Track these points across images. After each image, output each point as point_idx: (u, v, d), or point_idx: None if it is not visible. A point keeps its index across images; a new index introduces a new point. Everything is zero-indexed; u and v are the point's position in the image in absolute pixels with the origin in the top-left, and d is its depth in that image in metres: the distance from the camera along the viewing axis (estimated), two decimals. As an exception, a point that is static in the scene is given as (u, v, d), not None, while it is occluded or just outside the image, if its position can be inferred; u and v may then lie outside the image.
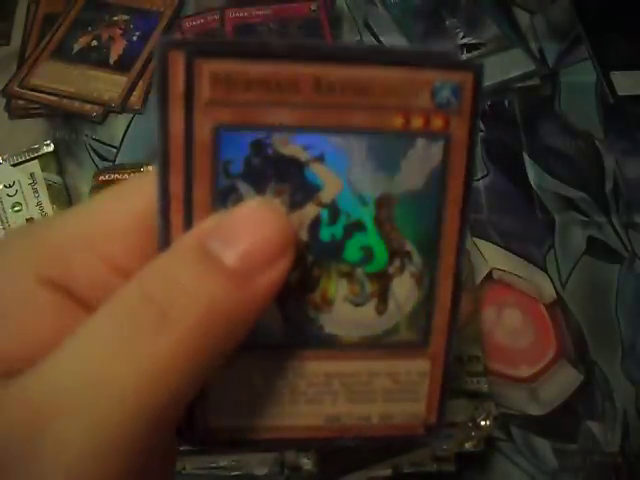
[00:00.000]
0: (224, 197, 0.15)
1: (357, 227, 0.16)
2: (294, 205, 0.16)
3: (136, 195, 0.16)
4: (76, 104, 0.49)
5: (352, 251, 0.16)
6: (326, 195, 0.16)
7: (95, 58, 0.51)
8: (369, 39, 0.51)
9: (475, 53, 0.50)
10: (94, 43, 0.52)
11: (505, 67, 0.50)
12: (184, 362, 0.13)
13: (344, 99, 0.15)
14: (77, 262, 0.15)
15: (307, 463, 0.32)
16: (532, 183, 0.45)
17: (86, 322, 0.14)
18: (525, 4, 0.53)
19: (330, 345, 0.17)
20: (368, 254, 0.16)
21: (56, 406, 0.13)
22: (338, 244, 0.16)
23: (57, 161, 0.46)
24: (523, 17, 0.53)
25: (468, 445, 0.33)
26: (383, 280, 0.16)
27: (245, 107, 0.15)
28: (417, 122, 0.15)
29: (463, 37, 0.51)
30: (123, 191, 0.17)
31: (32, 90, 0.49)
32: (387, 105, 0.15)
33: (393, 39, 0.51)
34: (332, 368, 0.17)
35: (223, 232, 0.14)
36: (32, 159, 0.45)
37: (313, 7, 0.52)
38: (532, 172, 0.45)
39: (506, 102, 0.48)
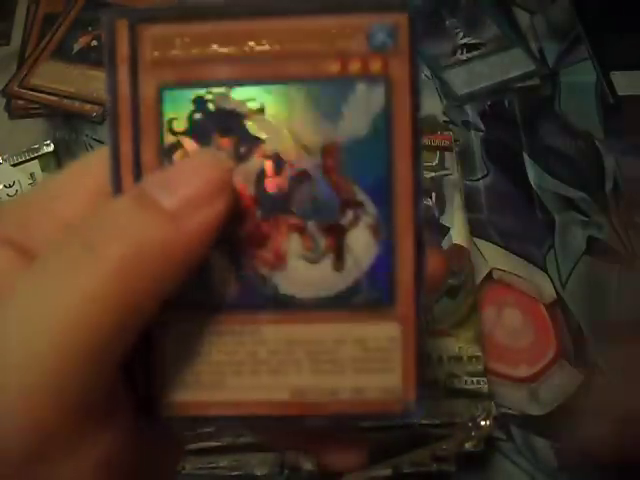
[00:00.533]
0: (170, 154, 0.16)
1: (303, 178, 0.16)
2: (239, 158, 0.16)
3: (94, 163, 0.17)
4: (76, 104, 0.49)
5: (300, 203, 0.16)
6: (269, 147, 0.16)
7: (95, 58, 0.51)
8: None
9: (475, 53, 0.50)
10: (94, 43, 0.52)
11: (505, 67, 0.50)
12: (111, 296, 0.13)
13: (279, 50, 0.16)
14: (34, 222, 0.16)
15: (307, 463, 0.32)
16: (532, 183, 0.45)
17: (29, 266, 0.14)
18: (525, 4, 0.53)
19: (288, 307, 0.16)
20: (317, 205, 0.16)
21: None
22: (285, 196, 0.16)
23: (57, 161, 0.46)
24: (523, 17, 0.53)
25: (468, 445, 0.33)
26: (337, 233, 0.16)
27: (186, 66, 0.16)
28: (354, 66, 0.16)
29: (463, 37, 0.51)
30: (83, 161, 0.17)
31: (32, 90, 0.49)
32: (323, 52, 0.16)
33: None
34: (293, 333, 0.16)
35: (163, 179, 0.15)
36: (32, 159, 0.45)
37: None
38: (532, 172, 0.45)
39: (506, 102, 0.48)
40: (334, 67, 0.16)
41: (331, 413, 0.16)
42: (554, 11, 0.53)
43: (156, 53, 0.16)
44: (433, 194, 0.39)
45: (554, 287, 0.41)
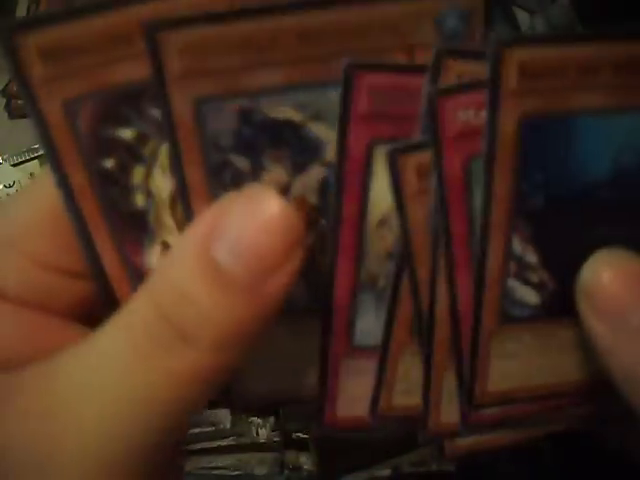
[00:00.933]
0: (219, 173, 0.14)
1: None
2: (297, 169, 0.14)
3: (45, 188, 0.16)
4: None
5: None
6: (331, 154, 0.14)
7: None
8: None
9: (475, 53, 0.50)
10: (94, 43, 0.52)
11: (505, 67, 0.50)
12: (199, 378, 0.14)
13: (332, 47, 0.13)
14: (2, 265, 0.15)
15: (307, 463, 0.32)
16: (532, 183, 0.45)
17: (95, 334, 0.14)
18: (525, 4, 0.53)
19: None
20: None
21: (71, 411, 0.13)
22: None
23: (57, 161, 0.46)
24: (523, 17, 0.53)
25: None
26: None
27: (224, 74, 0.13)
28: (422, 59, 0.14)
29: (463, 37, 0.51)
30: (33, 187, 0.17)
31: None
32: (384, 45, 0.14)
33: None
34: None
35: (226, 236, 0.14)
36: (32, 159, 0.45)
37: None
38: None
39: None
40: (400, 61, 0.14)
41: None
42: (554, 11, 0.53)
43: (189, 62, 0.13)
44: (433, 194, 0.39)
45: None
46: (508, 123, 0.14)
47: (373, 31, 0.13)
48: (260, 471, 0.33)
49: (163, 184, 0.15)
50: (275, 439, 0.32)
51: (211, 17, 0.13)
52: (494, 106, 0.13)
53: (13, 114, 0.49)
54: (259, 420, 0.32)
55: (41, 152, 0.45)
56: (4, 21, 0.13)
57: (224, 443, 0.32)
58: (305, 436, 0.32)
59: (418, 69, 0.13)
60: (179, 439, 0.15)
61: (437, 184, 0.14)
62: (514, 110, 0.14)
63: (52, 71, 0.13)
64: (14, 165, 0.45)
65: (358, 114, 0.14)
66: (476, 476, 0.35)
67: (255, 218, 0.13)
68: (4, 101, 0.50)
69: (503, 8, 0.53)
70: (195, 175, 0.14)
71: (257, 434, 0.32)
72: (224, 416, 0.32)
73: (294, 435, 0.32)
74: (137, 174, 0.15)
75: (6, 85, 0.50)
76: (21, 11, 0.55)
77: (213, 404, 0.32)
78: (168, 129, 0.14)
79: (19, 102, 0.49)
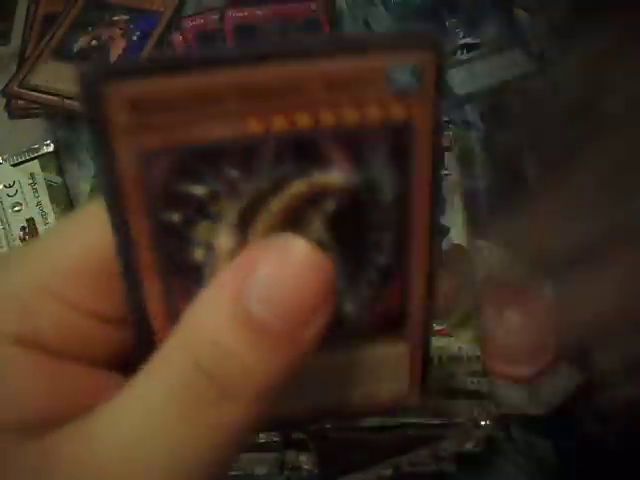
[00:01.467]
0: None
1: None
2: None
3: (87, 228, 0.15)
4: (76, 104, 0.49)
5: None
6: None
7: (95, 58, 0.51)
8: (369, 39, 0.51)
9: (475, 53, 0.50)
10: (94, 43, 0.52)
11: (505, 67, 0.50)
12: (241, 433, 0.14)
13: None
14: (39, 312, 0.15)
15: (307, 463, 0.32)
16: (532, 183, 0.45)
17: (131, 387, 0.14)
18: (525, 4, 0.53)
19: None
20: None
21: (112, 476, 0.13)
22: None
23: (57, 161, 0.46)
24: (523, 17, 0.53)
25: (468, 445, 0.33)
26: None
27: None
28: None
29: (463, 37, 0.51)
30: (74, 224, 0.16)
31: (32, 90, 0.49)
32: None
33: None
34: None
35: (259, 285, 0.13)
36: (32, 159, 0.45)
37: (313, 7, 0.52)
38: (532, 172, 0.45)
39: (506, 102, 0.48)
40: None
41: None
42: (554, 11, 0.53)
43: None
44: (433, 194, 0.39)
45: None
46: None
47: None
48: (260, 471, 0.33)
49: (226, 241, 0.15)
50: (275, 439, 0.32)
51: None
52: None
53: (13, 114, 0.49)
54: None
55: (42, 152, 0.45)
56: (96, 66, 0.13)
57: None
58: (305, 436, 0.32)
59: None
60: None
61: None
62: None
63: (136, 121, 0.13)
64: (14, 165, 0.45)
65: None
66: (476, 476, 0.35)
67: (287, 265, 0.13)
68: (4, 101, 0.50)
69: (503, 8, 0.53)
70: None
71: (257, 434, 0.32)
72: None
73: (294, 435, 0.32)
74: (201, 230, 0.14)
75: (6, 85, 0.50)
76: (21, 11, 0.55)
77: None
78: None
79: (19, 102, 0.49)
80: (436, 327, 0.35)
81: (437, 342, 0.34)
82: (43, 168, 0.45)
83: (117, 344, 0.15)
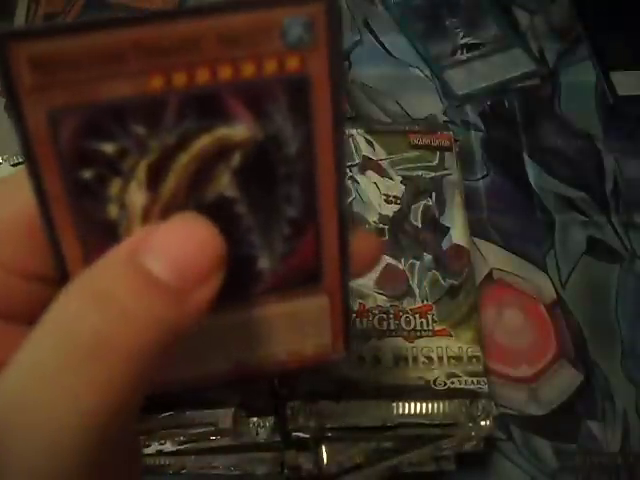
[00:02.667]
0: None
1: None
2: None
3: (13, 190, 0.16)
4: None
5: None
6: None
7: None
8: (369, 39, 0.51)
9: (475, 53, 0.50)
10: (94, 43, 0.52)
11: (505, 67, 0.50)
12: (124, 381, 0.13)
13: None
14: None
15: (307, 463, 0.32)
16: (532, 183, 0.45)
17: (26, 341, 0.14)
18: (525, 4, 0.53)
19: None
20: None
21: (6, 426, 0.13)
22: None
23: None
24: (523, 17, 0.53)
25: (468, 445, 0.33)
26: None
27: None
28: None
29: (463, 37, 0.51)
30: (2, 186, 0.16)
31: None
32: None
33: (393, 39, 0.51)
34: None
35: (154, 244, 0.14)
36: (32, 159, 0.45)
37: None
38: (532, 172, 0.45)
39: (506, 102, 0.48)
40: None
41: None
42: (554, 11, 0.53)
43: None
44: (433, 194, 0.39)
45: (554, 287, 0.41)
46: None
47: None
48: (260, 471, 0.33)
49: (138, 198, 0.15)
50: (275, 439, 0.32)
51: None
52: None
53: (13, 114, 0.49)
54: (259, 420, 0.32)
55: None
56: (1, 29, 0.13)
57: (224, 443, 0.32)
58: (305, 436, 0.32)
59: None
60: (126, 444, 0.15)
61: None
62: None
63: (40, 81, 0.13)
64: (14, 165, 0.45)
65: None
66: (476, 476, 0.35)
67: (185, 234, 0.14)
68: (4, 101, 0.50)
69: (503, 8, 0.53)
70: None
71: (257, 434, 0.32)
72: (224, 416, 0.32)
73: (294, 435, 0.32)
74: (114, 186, 0.15)
75: (6, 85, 0.50)
76: (21, 11, 0.55)
77: (212, 404, 0.32)
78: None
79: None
80: (436, 327, 0.35)
81: (437, 342, 0.34)
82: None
83: (47, 301, 0.15)
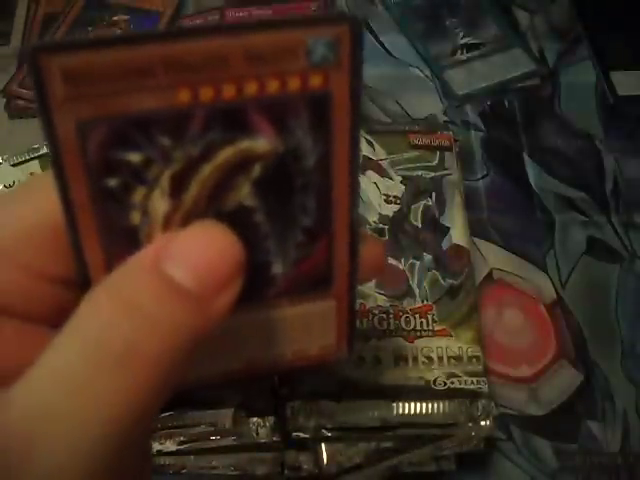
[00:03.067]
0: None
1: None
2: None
3: (39, 194, 0.16)
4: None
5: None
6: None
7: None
8: (369, 39, 0.51)
9: (475, 53, 0.50)
10: (94, 43, 0.52)
11: (505, 67, 0.50)
12: (150, 389, 0.14)
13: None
14: None
15: (307, 463, 0.32)
16: (532, 183, 0.45)
17: (52, 347, 0.14)
18: (525, 4, 0.53)
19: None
20: None
21: (30, 435, 0.13)
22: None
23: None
24: (523, 17, 0.53)
25: (468, 445, 0.33)
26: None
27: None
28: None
29: (463, 37, 0.51)
30: (26, 192, 0.17)
31: (32, 90, 0.49)
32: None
33: (393, 39, 0.51)
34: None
35: (175, 251, 0.14)
36: (32, 159, 0.45)
37: (313, 7, 0.52)
38: (532, 172, 0.45)
39: (506, 102, 0.48)
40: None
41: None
42: (554, 11, 0.53)
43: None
44: (433, 194, 0.39)
45: (554, 287, 0.41)
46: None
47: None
48: (260, 471, 0.33)
49: (160, 205, 0.16)
50: (275, 439, 0.32)
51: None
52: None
53: (13, 114, 0.49)
54: (259, 420, 0.32)
55: (42, 152, 0.45)
56: (37, 42, 0.14)
57: (224, 443, 0.32)
58: (305, 436, 0.32)
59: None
60: (142, 446, 0.15)
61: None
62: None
63: (71, 93, 0.14)
64: (14, 165, 0.45)
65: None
66: (476, 476, 0.35)
67: (206, 242, 0.15)
68: (4, 101, 0.50)
69: (503, 8, 0.53)
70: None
71: (257, 434, 0.32)
72: (224, 416, 0.32)
73: (294, 435, 0.32)
74: (138, 194, 0.15)
75: (6, 85, 0.50)
76: (21, 11, 0.55)
77: (212, 404, 0.32)
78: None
79: (19, 102, 0.49)
80: (436, 327, 0.35)
81: (437, 342, 0.34)
82: (43, 168, 0.45)
83: (69, 305, 0.16)
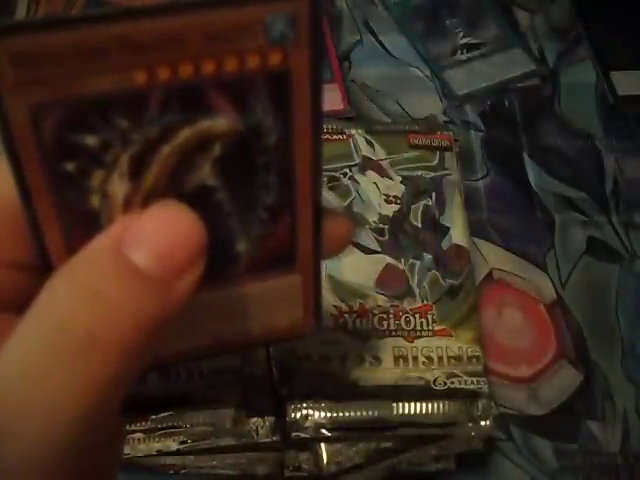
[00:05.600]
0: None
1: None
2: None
3: None
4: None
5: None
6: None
7: None
8: (369, 39, 0.51)
9: (475, 53, 0.50)
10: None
11: (505, 67, 0.50)
12: (113, 374, 0.14)
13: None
14: None
15: (307, 463, 0.32)
16: (532, 183, 0.45)
17: (15, 335, 0.14)
18: (525, 4, 0.53)
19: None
20: None
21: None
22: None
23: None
24: (523, 17, 0.53)
25: (468, 445, 0.33)
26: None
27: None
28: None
29: (463, 37, 0.51)
30: None
31: None
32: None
33: (393, 39, 0.51)
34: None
35: (135, 233, 0.14)
36: None
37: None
38: (532, 172, 0.45)
39: (506, 102, 0.48)
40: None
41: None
42: (554, 11, 0.53)
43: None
44: (433, 194, 0.39)
45: (554, 287, 0.41)
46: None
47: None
48: (260, 471, 0.33)
49: (120, 188, 0.15)
50: (275, 439, 0.32)
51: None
52: None
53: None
54: (259, 420, 0.32)
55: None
56: None
57: (224, 443, 0.32)
58: (305, 436, 0.32)
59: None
60: (110, 427, 0.16)
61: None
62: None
63: (22, 76, 0.13)
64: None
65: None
66: (476, 476, 0.35)
67: (167, 223, 0.14)
68: None
69: (503, 8, 0.53)
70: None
71: (257, 434, 0.32)
72: (224, 416, 0.32)
73: (294, 435, 0.32)
74: (96, 178, 0.15)
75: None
76: (21, 11, 0.55)
77: (212, 404, 0.32)
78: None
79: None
80: (436, 327, 0.35)
81: (437, 342, 0.34)
82: None
83: (33, 290, 0.15)
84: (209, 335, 0.19)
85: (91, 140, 0.15)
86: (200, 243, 0.15)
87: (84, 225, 0.15)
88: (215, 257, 0.16)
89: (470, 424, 0.32)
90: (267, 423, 0.32)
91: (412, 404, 0.32)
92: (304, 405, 0.32)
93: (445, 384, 0.33)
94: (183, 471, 0.32)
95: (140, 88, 0.14)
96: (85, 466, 0.14)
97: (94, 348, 0.13)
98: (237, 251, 0.18)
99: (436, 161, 0.40)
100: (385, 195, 0.38)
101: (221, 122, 0.15)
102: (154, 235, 0.14)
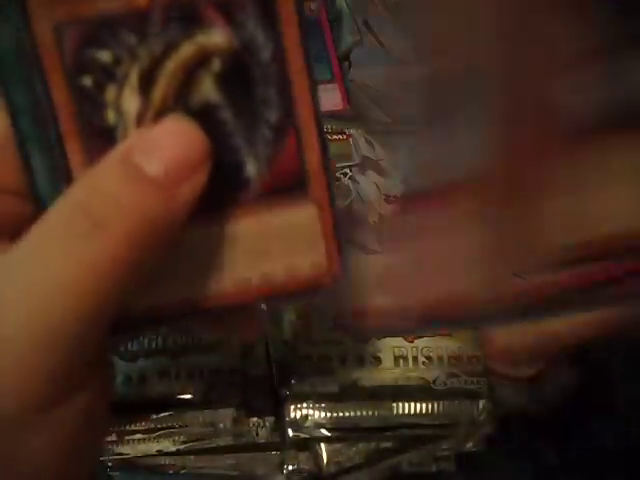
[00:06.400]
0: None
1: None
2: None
3: None
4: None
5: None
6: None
7: None
8: (369, 39, 0.51)
9: (475, 53, 0.50)
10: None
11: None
12: (115, 267, 0.15)
13: None
14: None
15: (307, 463, 0.32)
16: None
17: (29, 232, 0.15)
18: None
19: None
20: None
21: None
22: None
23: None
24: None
25: (468, 445, 0.33)
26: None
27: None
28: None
29: (463, 37, 0.51)
30: None
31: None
32: None
33: (393, 39, 0.51)
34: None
35: (145, 144, 0.16)
36: None
37: (313, 7, 0.52)
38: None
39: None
40: None
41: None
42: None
43: None
44: (433, 194, 0.39)
45: (554, 287, 0.41)
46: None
47: None
48: (260, 471, 0.33)
49: (132, 103, 0.17)
50: (275, 439, 0.32)
51: None
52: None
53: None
54: (259, 420, 0.32)
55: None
56: None
57: (224, 443, 0.32)
58: (305, 436, 0.32)
59: None
60: (102, 335, 0.16)
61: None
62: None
63: None
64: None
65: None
66: (476, 476, 0.35)
67: (172, 133, 0.16)
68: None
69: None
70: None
71: (257, 434, 0.32)
72: (224, 416, 0.32)
73: (294, 435, 0.32)
74: (110, 92, 0.17)
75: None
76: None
77: (212, 404, 0.32)
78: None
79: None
80: (436, 327, 0.34)
81: (437, 342, 0.34)
82: None
83: (17, 215, 0.17)
84: (229, 280, 0.18)
85: (105, 55, 0.17)
86: (202, 150, 0.16)
87: (102, 141, 0.17)
88: (226, 182, 0.17)
89: (470, 424, 0.32)
90: (267, 423, 0.32)
91: (412, 404, 0.32)
92: (304, 405, 0.32)
93: (445, 384, 0.33)
94: (183, 471, 0.32)
95: (143, 6, 0.16)
96: (74, 365, 0.15)
97: (99, 236, 0.15)
98: (247, 175, 0.18)
99: (436, 161, 0.40)
100: (385, 195, 0.38)
101: (217, 36, 0.17)
102: (160, 144, 0.16)
